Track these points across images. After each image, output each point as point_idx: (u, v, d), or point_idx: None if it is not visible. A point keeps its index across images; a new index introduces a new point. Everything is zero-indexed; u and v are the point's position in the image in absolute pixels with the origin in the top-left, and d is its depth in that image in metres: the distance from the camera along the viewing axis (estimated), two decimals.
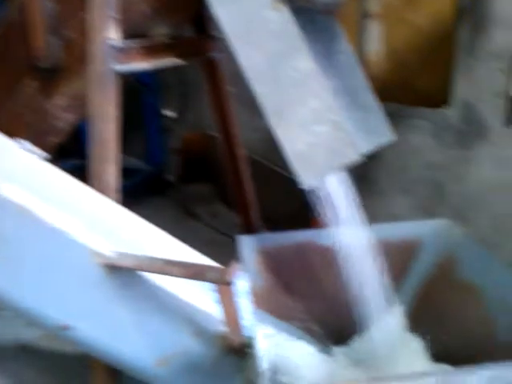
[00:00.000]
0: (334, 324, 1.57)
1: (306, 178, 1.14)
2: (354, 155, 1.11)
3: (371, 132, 1.25)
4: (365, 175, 2.59)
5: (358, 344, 1.55)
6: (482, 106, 2.04)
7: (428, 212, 2.33)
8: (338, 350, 1.56)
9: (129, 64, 1.44)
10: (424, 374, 0.92)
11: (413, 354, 1.43)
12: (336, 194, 1.26)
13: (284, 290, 1.60)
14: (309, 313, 1.60)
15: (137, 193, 4.20)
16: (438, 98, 2.14)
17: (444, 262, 1.53)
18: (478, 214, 2.13)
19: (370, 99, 1.26)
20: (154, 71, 3.80)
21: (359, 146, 1.21)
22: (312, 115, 1.12)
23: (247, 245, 1.56)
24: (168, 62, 1.51)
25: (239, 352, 1.08)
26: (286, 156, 1.14)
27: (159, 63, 1.50)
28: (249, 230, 1.99)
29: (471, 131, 2.09)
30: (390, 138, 1.27)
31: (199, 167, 3.82)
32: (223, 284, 0.84)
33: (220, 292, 0.89)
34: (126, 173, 3.95)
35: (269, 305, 1.53)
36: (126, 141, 4.51)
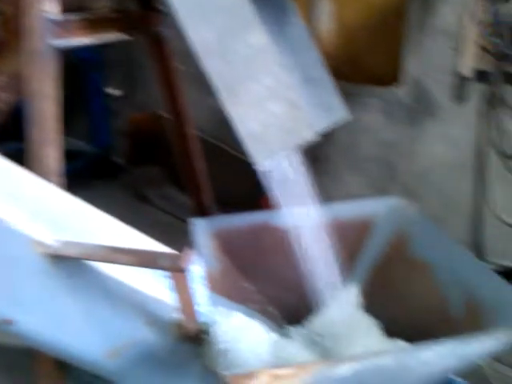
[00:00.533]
0: (290, 305, 1.58)
1: (260, 158, 1.12)
2: (309, 134, 1.09)
3: (326, 110, 1.24)
4: (317, 154, 2.59)
5: (313, 323, 1.56)
6: (431, 84, 2.07)
7: (380, 190, 2.36)
8: (293, 330, 1.57)
9: (68, 39, 1.36)
10: (379, 353, 0.93)
11: (368, 331, 1.45)
12: (289, 174, 1.24)
13: (239, 272, 1.58)
14: (265, 294, 1.59)
15: (83, 177, 4.06)
16: (389, 76, 2.16)
17: (397, 240, 1.55)
18: (427, 191, 2.18)
19: (324, 75, 1.24)
20: (97, 47, 3.65)
21: (314, 125, 1.19)
22: (266, 93, 1.09)
23: (200, 228, 1.53)
24: (111, 36, 1.44)
25: (195, 339, 1.05)
26: (239, 135, 1.10)
27: (101, 38, 1.42)
28: (201, 212, 1.96)
29: (421, 109, 2.13)
30: (345, 115, 1.26)
31: (148, 149, 3.71)
32: (176, 271, 0.81)
33: (174, 279, 0.85)
34: (70, 156, 3.80)
35: (224, 288, 1.51)
36: (70, 122, 4.33)
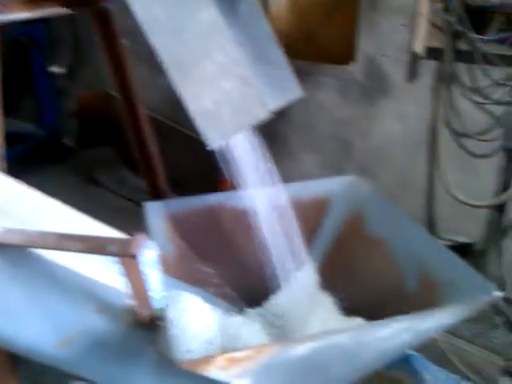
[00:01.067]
0: (248, 286, 1.57)
1: (213, 138, 1.09)
2: (262, 112, 1.07)
3: (279, 87, 1.22)
4: (273, 134, 2.59)
5: (271, 304, 1.56)
6: (385, 62, 2.09)
7: (336, 168, 2.39)
8: (252, 312, 1.57)
9: (5, 13, 1.28)
10: (336, 331, 0.94)
11: (325, 310, 1.47)
12: (245, 153, 1.22)
13: (196, 255, 1.56)
14: (223, 277, 1.58)
15: (30, 161, 3.92)
16: (344, 54, 2.16)
17: (353, 218, 1.57)
18: (382, 169, 2.21)
19: (277, 52, 1.22)
20: (39, 23, 3.49)
21: (268, 103, 1.17)
22: (217, 70, 1.06)
23: (154, 211, 1.50)
24: (52, 11, 1.36)
25: (149, 325, 1.03)
26: (191, 114, 1.07)
27: (42, 13, 1.34)
28: (156, 195, 1.92)
29: (375, 87, 2.15)
30: (299, 93, 1.24)
31: (99, 129, 3.60)
32: (126, 257, 0.78)
33: (124, 265, 0.83)
34: (16, 139, 3.65)
35: (181, 272, 1.49)
36: (15, 103, 4.15)
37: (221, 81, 1.06)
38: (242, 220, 1.45)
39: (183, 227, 1.53)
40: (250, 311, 1.57)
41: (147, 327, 1.05)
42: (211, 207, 1.54)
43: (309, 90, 2.29)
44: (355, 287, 1.44)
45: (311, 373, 1.08)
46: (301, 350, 0.94)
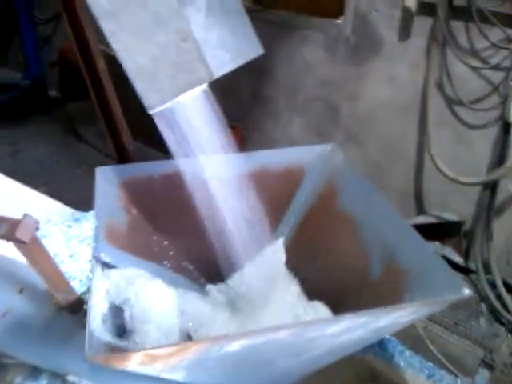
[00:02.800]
0: (209, 261, 1.46)
1: (151, 102, 0.95)
2: (205, 72, 0.93)
3: (236, 44, 1.06)
4: (256, 93, 2.43)
5: (233, 281, 1.46)
6: (377, 18, 1.90)
7: (322, 133, 2.24)
8: (213, 288, 1.47)
9: None
10: (274, 328, 0.83)
11: (287, 291, 1.36)
12: (197, 117, 1.08)
13: (151, 226, 1.45)
14: (181, 250, 1.47)
15: (14, 110, 3.80)
16: (332, 6, 1.97)
17: (325, 192, 1.44)
18: (369, 136, 2.06)
19: (234, 2, 1.06)
20: None
21: (215, 62, 1.03)
22: (153, 20, 0.91)
23: (105, 177, 1.37)
24: None
25: (74, 309, 0.93)
26: (128, 74, 0.93)
27: None
28: (120, 153, 1.79)
29: (365, 45, 1.97)
30: (258, 51, 1.09)
31: (80, 81, 3.43)
32: (13, 241, 0.66)
33: (20, 249, 0.71)
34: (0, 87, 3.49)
35: (135, 244, 1.38)
36: (5, 52, 3.99)
37: (157, 33, 0.91)
38: (202, 189, 1.33)
39: (137, 195, 1.41)
40: (212, 288, 1.48)
41: (73, 311, 0.95)
42: (168, 174, 1.41)
43: (294, 46, 2.13)
44: (319, 268, 1.33)
45: (251, 366, 0.98)
46: (234, 346, 0.83)
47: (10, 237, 0.66)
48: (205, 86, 1.01)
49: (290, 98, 2.30)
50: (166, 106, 0.98)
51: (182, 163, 1.40)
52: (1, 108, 3.78)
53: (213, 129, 1.16)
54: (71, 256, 1.09)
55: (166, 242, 1.46)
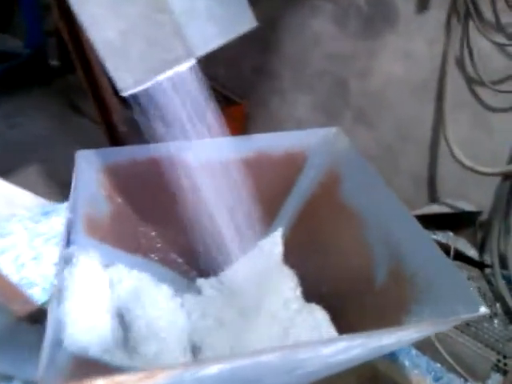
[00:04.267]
0: (200, 253, 1.36)
1: (124, 83, 0.83)
2: (184, 49, 0.80)
3: (225, 15, 0.93)
4: (263, 68, 2.28)
5: (226, 275, 1.36)
6: None
7: (331, 112, 2.10)
8: (205, 283, 1.37)
9: None
10: (261, 352, 0.72)
11: (282, 290, 1.25)
12: (180, 97, 0.96)
13: (137, 216, 1.34)
14: (169, 242, 1.36)
15: (13, 80, 3.69)
16: None
17: (328, 180, 1.31)
18: (382, 116, 1.92)
19: None
20: None
21: (207, 35, 0.90)
22: None
23: (87, 162, 1.26)
24: None
25: (35, 319, 0.83)
26: (96, 48, 0.81)
27: None
28: (111, 132, 1.67)
29: (378, 17, 1.80)
30: (251, 23, 0.95)
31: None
32: None
33: None
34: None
35: (118, 236, 1.27)
36: (7, 19, 3.85)
37: (125, 3, 0.78)
38: (191, 176, 1.21)
39: (122, 182, 1.30)
40: (203, 282, 1.37)
41: (33, 321, 0.85)
42: (155, 159, 1.29)
43: (303, 17, 1.97)
44: (318, 266, 1.21)
45: None
46: (212, 370, 0.73)
47: None
48: (189, 64, 0.88)
49: (297, 73, 2.15)
50: (141, 88, 0.85)
51: (170, 147, 1.28)
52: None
53: (199, 110, 1.04)
54: (35, 258, 0.97)
55: (153, 233, 1.35)
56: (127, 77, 0.83)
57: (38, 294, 0.83)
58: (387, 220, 1.05)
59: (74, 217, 1.16)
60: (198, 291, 1.36)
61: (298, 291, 1.21)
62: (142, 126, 0.98)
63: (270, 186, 1.36)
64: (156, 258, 1.33)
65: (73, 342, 0.84)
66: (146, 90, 0.87)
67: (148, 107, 0.91)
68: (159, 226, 1.34)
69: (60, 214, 1.06)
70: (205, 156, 1.22)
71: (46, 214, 1.07)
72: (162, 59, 0.81)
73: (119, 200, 1.30)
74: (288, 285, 1.25)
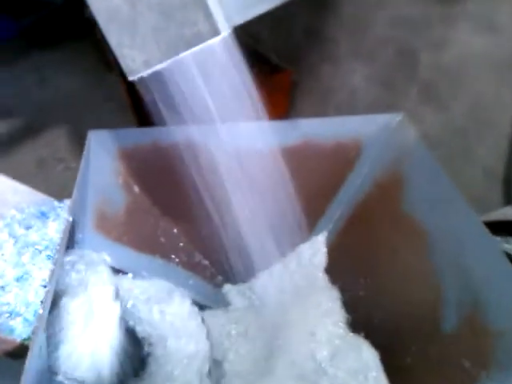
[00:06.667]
0: (231, 256, 1.20)
1: (132, 65, 0.67)
2: (209, 24, 0.62)
3: None
4: (316, 32, 2.05)
5: (257, 283, 1.21)
6: None
7: (393, 87, 1.86)
8: (231, 289, 1.23)
9: None
10: None
11: (324, 307, 1.09)
12: (205, 78, 0.78)
13: (160, 211, 1.19)
14: (195, 241, 1.22)
15: (44, 32, 3.58)
16: None
17: (387, 181, 1.12)
18: (455, 95, 1.67)
19: None
20: None
21: (242, 3, 0.72)
22: None
23: (101, 144, 1.11)
24: None
25: (17, 355, 0.70)
26: (94, 13, 0.65)
27: None
28: (137, 105, 1.51)
29: None
30: None
31: None
32: None
33: None
34: (33, 5, 3.23)
35: (135, 233, 1.14)
36: None
37: None
38: (222, 165, 1.05)
39: (141, 170, 1.15)
40: (231, 288, 1.23)
41: (14, 357, 0.73)
42: (183, 144, 1.13)
43: None
44: (369, 288, 1.04)
45: None
46: None
47: None
48: (219, 38, 0.70)
49: (356, 38, 1.92)
50: (153, 70, 0.68)
51: (198, 131, 1.11)
52: (29, 29, 3.56)
53: (233, 92, 0.86)
54: (21, 278, 0.78)
55: (174, 230, 1.20)
56: (135, 56, 0.66)
57: (19, 328, 0.68)
58: (463, 247, 0.85)
59: (82, 210, 1.02)
60: (224, 298, 1.23)
61: (342, 317, 1.03)
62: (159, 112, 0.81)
63: (314, 182, 1.18)
64: (177, 260, 1.19)
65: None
66: (160, 73, 0.69)
67: (163, 91, 0.74)
68: (183, 223, 1.19)
69: (60, 216, 0.89)
70: (239, 143, 1.05)
71: (42, 216, 0.89)
72: (180, 35, 0.63)
73: (137, 190, 1.16)
74: (329, 306, 1.08)
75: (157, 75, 0.69)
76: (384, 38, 1.80)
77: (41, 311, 0.64)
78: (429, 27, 1.65)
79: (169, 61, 0.66)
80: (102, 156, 1.11)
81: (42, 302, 0.67)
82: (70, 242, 0.95)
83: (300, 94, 2.33)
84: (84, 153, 1.04)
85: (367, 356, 0.92)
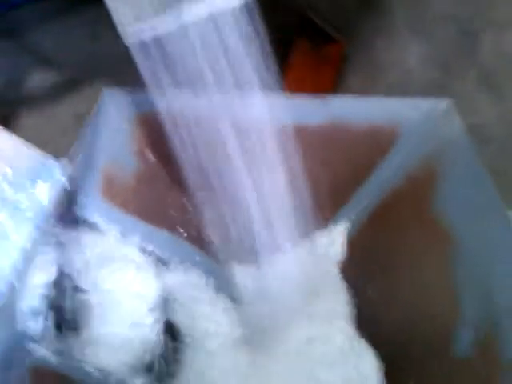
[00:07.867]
0: (241, 235, 1.14)
1: (123, 17, 0.61)
2: None
3: None
4: (371, 1, 1.92)
5: (267, 266, 1.14)
6: None
7: (449, 70, 1.74)
8: (240, 270, 1.17)
9: None
10: None
11: (334, 304, 1.02)
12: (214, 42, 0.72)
13: (171, 180, 1.14)
14: (206, 218, 1.16)
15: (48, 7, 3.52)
16: None
17: (420, 176, 1.01)
18: None
19: None
20: None
21: None
22: None
23: (117, 105, 1.05)
24: None
25: None
26: None
27: None
28: None
29: None
30: None
31: None
32: None
33: None
34: None
35: (146, 205, 1.10)
36: None
37: None
38: (240, 139, 0.97)
39: (160, 137, 1.09)
40: (240, 269, 1.17)
41: None
42: (206, 113, 1.06)
43: None
44: (383, 292, 0.95)
45: None
46: None
47: None
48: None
49: (415, 13, 1.78)
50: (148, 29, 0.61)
51: (217, 103, 1.04)
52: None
53: (247, 62, 0.79)
54: None
55: (185, 204, 1.14)
56: (127, 11, 0.59)
57: None
58: (493, 266, 0.75)
59: (88, 173, 0.98)
60: (229, 278, 1.17)
61: (349, 319, 0.96)
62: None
63: (340, 167, 1.09)
64: (185, 235, 1.14)
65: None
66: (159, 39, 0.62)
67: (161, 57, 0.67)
68: (194, 197, 1.13)
69: (54, 178, 0.79)
70: (251, 117, 0.97)
71: (31, 174, 0.78)
72: None
73: (152, 158, 1.11)
74: (337, 305, 1.00)
75: (156, 41, 0.62)
76: (444, 16, 1.66)
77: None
78: (495, 7, 1.50)
79: (168, 17, 0.59)
80: (117, 118, 1.06)
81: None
82: (69, 206, 0.91)
83: (350, 68, 2.20)
84: (94, 112, 0.99)
85: (370, 367, 0.85)
